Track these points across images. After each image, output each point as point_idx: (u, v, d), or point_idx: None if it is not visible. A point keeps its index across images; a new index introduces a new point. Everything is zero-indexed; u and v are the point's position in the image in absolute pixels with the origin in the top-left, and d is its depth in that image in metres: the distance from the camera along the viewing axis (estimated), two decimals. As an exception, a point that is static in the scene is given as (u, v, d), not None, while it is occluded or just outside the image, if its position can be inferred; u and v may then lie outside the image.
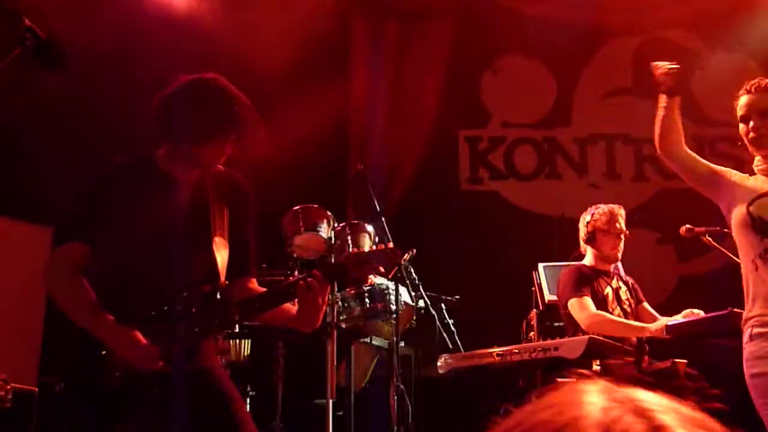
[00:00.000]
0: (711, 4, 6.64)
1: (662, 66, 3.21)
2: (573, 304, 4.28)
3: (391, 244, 2.59)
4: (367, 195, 4.65)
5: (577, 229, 4.64)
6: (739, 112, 3.07)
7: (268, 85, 5.50)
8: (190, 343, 2.48)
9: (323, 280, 2.55)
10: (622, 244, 4.50)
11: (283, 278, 4.18)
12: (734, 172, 3.11)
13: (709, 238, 4.33)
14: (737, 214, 2.97)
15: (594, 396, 0.70)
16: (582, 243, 4.58)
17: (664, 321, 4.14)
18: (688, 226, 4.33)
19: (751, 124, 3.02)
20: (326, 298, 2.60)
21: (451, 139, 6.90)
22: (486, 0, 6.84)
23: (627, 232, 4.52)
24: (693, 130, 6.55)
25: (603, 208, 4.53)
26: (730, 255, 4.03)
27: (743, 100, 3.07)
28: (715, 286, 5.32)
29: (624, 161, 6.91)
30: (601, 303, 4.32)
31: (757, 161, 3.09)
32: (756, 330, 2.86)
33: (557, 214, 6.50)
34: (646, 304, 4.51)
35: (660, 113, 3.15)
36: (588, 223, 4.51)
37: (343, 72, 6.72)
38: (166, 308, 2.47)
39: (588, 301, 4.27)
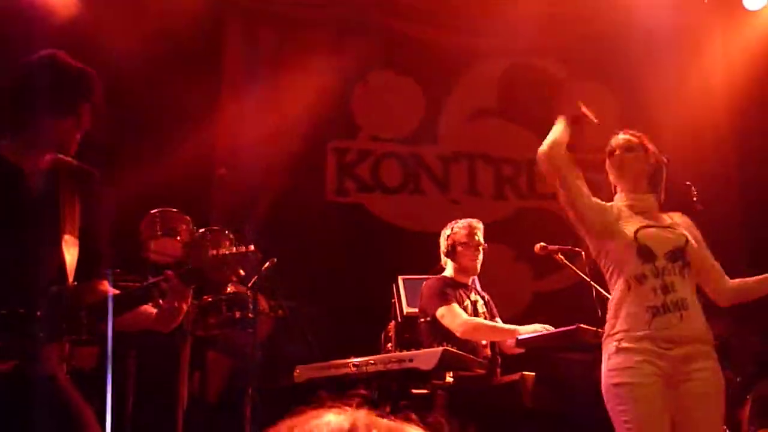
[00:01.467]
0: (576, 35, 6.94)
1: (584, 111, 3.47)
2: (443, 312, 4.36)
3: (251, 247, 2.55)
4: (232, 201, 4.58)
5: (439, 245, 4.74)
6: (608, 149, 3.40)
7: (130, 84, 5.33)
8: (33, 348, 2.34)
9: (180, 283, 2.48)
10: (481, 257, 4.63)
11: (138, 284, 4.04)
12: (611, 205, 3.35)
13: (562, 257, 4.51)
14: (622, 235, 3.19)
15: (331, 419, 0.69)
16: (443, 256, 4.68)
17: (536, 326, 4.30)
18: (542, 244, 4.50)
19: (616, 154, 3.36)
20: (186, 302, 2.53)
21: (320, 149, 6.88)
22: (362, 15, 6.88)
23: (485, 245, 4.65)
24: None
25: (462, 222, 4.66)
26: (581, 274, 4.35)
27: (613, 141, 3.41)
28: (566, 302, 5.57)
29: (484, 180, 7.11)
30: (460, 314, 4.43)
31: (622, 197, 3.35)
32: (624, 344, 3.07)
33: (420, 229, 6.62)
34: (498, 320, 4.65)
35: (559, 126, 3.41)
36: (448, 236, 4.63)
37: (216, 76, 6.58)
38: (5, 311, 2.32)
39: (457, 308, 4.37)
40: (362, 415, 0.71)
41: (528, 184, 7.14)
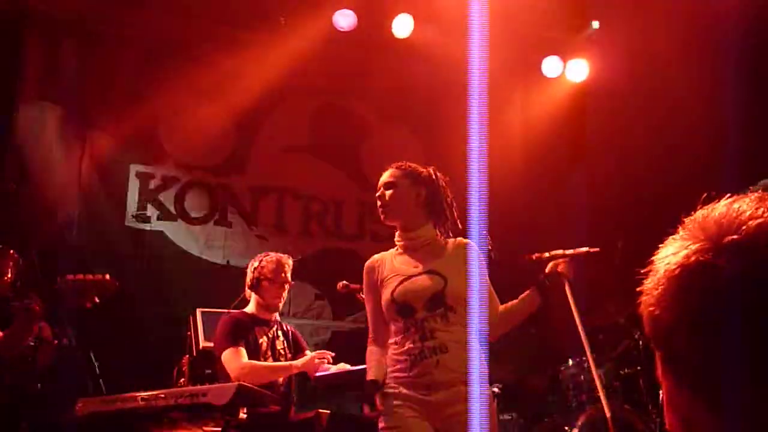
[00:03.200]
0: (385, 83, 7.16)
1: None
2: (227, 354, 4.25)
3: (107, 276, 2.43)
4: (20, 219, 4.26)
5: (241, 278, 4.65)
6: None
7: None
8: None
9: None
10: (285, 294, 4.59)
11: None
12: (379, 263, 3.40)
13: (362, 296, 4.55)
14: (384, 298, 3.28)
15: None
16: (247, 289, 4.59)
17: (310, 355, 4.29)
18: (344, 282, 4.41)
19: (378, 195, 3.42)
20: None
21: (123, 172, 6.59)
22: (169, 41, 6.71)
23: (292, 282, 4.62)
24: (358, 195, 7.02)
25: (272, 256, 4.60)
26: None
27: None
28: (364, 342, 5.64)
29: (291, 215, 7.11)
30: (253, 352, 4.34)
31: (397, 236, 3.41)
32: (388, 390, 3.20)
33: (223, 261, 6.48)
34: (308, 352, 4.60)
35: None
36: (255, 269, 4.55)
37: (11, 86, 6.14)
38: None
39: (242, 351, 4.27)
40: None
41: (335, 223, 7.21)
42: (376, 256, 3.45)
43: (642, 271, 0.84)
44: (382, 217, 3.43)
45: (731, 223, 0.79)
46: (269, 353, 4.43)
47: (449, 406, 3.13)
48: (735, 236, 0.78)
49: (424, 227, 3.38)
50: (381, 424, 3.16)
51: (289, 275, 4.58)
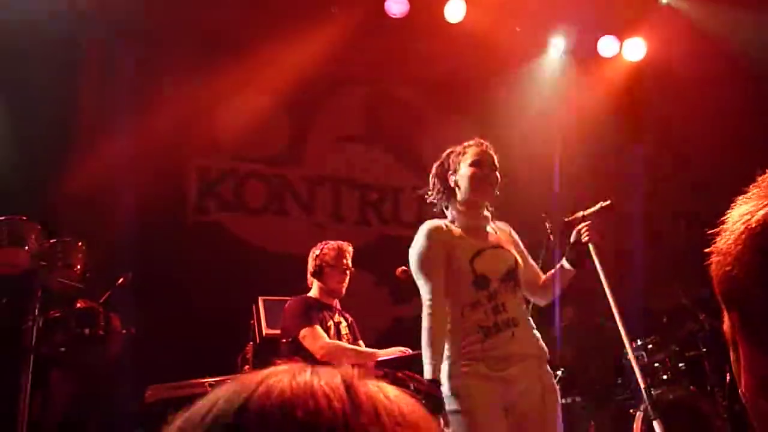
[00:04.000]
0: (438, 69, 7.12)
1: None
2: (305, 333, 4.30)
3: None
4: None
5: (301, 267, 4.70)
6: (471, 159, 3.33)
7: None
8: None
9: None
10: (347, 280, 4.62)
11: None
12: (446, 228, 3.31)
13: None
14: (458, 265, 3.19)
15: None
16: (309, 276, 4.63)
17: (395, 349, 4.31)
18: (403, 268, 4.22)
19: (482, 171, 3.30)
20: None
21: (181, 167, 6.70)
22: (226, 36, 6.78)
23: (353, 268, 4.65)
24: (415, 182, 7.00)
25: (332, 243, 4.65)
26: None
27: (473, 150, 3.36)
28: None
29: (349, 204, 7.14)
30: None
31: (458, 213, 3.33)
32: (453, 370, 3.10)
33: (282, 250, 6.54)
34: (360, 342, 4.64)
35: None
36: (317, 256, 4.60)
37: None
38: None
39: (319, 329, 4.32)
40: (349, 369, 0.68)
41: (392, 211, 7.21)
42: (436, 221, 3.38)
43: (711, 232, 0.81)
44: (485, 192, 3.33)
45: None
46: (336, 338, 4.47)
47: (522, 380, 3.12)
48: None
49: (484, 206, 3.40)
50: (452, 406, 3.07)
51: (350, 262, 4.63)
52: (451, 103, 7.38)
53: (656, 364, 5.62)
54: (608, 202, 3.49)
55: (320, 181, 7.11)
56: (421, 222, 3.43)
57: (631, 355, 3.58)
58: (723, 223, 0.81)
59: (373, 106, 7.33)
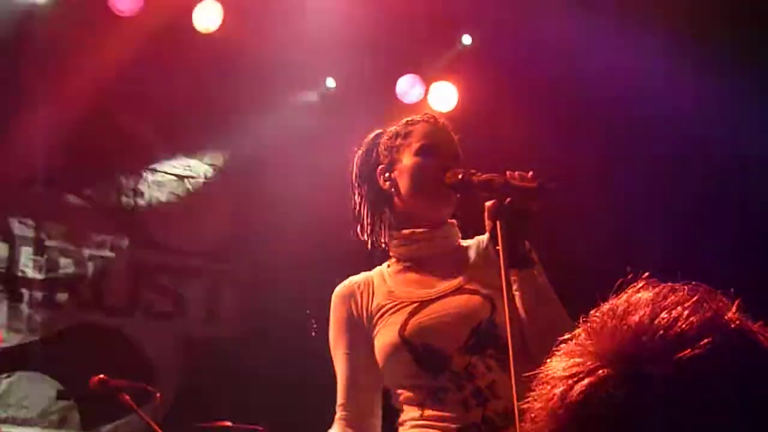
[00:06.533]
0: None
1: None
2: None
3: None
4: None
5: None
6: (418, 143, 2.20)
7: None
8: None
9: None
10: None
11: None
12: (362, 287, 2.20)
13: (128, 397, 3.93)
14: (383, 344, 2.11)
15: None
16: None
17: None
18: (101, 376, 3.87)
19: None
20: None
21: None
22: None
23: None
24: (130, 252, 5.35)
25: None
26: (151, 422, 3.91)
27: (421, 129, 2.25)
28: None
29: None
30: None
31: (395, 241, 2.21)
32: None
33: None
34: None
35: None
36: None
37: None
38: None
39: None
40: None
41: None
42: (353, 278, 2.26)
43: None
44: (441, 198, 2.18)
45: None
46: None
47: None
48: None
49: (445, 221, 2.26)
50: None
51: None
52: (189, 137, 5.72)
53: None
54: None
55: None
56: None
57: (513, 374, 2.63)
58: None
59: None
